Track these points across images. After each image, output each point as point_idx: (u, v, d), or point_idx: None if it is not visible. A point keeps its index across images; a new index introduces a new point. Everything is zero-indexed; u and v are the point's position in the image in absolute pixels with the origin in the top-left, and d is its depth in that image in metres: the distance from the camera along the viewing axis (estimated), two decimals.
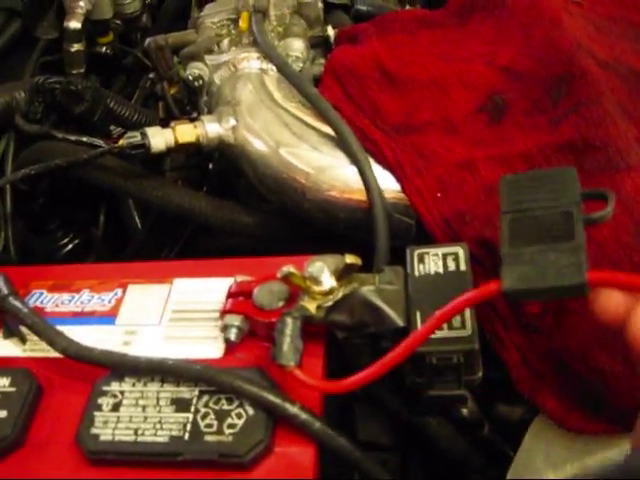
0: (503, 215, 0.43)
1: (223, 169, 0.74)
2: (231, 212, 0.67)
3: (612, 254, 0.53)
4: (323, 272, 0.46)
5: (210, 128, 0.63)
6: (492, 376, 0.58)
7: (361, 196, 0.58)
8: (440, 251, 0.48)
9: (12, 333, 0.52)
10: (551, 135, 0.57)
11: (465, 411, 0.53)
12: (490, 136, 0.59)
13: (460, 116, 0.61)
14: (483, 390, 0.48)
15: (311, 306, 0.45)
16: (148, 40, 0.78)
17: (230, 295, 0.50)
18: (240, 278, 0.50)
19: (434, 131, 0.60)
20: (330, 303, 0.46)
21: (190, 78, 0.72)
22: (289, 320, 0.44)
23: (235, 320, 0.48)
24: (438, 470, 0.60)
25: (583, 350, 0.47)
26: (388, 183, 0.58)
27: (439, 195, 0.56)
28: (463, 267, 0.47)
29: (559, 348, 0.49)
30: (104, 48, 0.92)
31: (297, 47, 0.75)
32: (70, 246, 0.78)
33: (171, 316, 0.52)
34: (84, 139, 0.72)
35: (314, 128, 0.62)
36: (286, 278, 0.46)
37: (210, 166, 0.75)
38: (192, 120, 0.65)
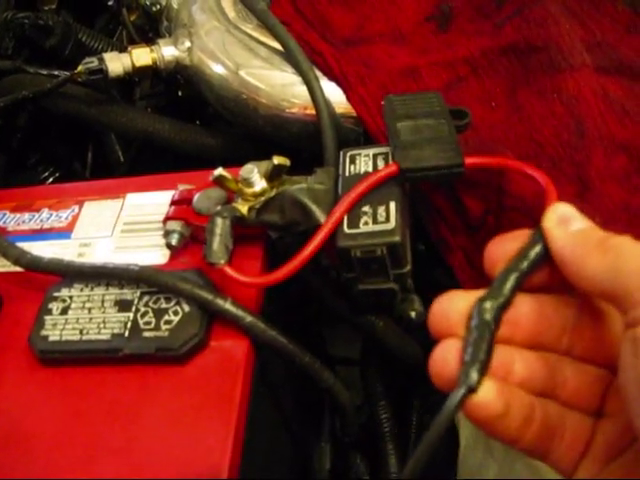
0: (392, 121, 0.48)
1: (191, 95, 0.75)
2: (195, 135, 0.68)
3: (553, 153, 0.53)
4: (253, 174, 0.47)
5: (166, 51, 0.64)
6: (441, 281, 0.60)
7: (312, 110, 0.59)
8: (371, 152, 0.49)
9: None
10: (494, 39, 0.57)
11: (413, 314, 0.54)
12: (436, 44, 0.59)
13: (409, 26, 0.61)
14: (433, 294, 0.50)
15: (243, 208, 0.47)
16: None
17: (173, 203, 0.51)
18: (182, 187, 0.52)
19: (382, 42, 0.60)
20: (261, 204, 0.47)
21: (148, 3, 0.72)
22: (219, 220, 0.46)
23: (176, 225, 0.50)
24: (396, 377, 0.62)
25: None
26: (338, 95, 0.59)
27: (383, 103, 0.56)
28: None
29: None
30: None
31: None
32: (50, 180, 0.80)
33: (122, 228, 0.54)
34: (55, 73, 0.74)
35: (267, 46, 0.62)
36: (221, 183, 0.48)
37: (179, 93, 0.76)
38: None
